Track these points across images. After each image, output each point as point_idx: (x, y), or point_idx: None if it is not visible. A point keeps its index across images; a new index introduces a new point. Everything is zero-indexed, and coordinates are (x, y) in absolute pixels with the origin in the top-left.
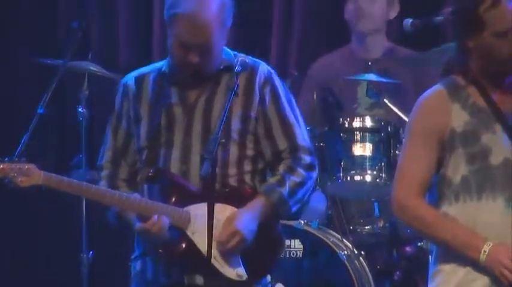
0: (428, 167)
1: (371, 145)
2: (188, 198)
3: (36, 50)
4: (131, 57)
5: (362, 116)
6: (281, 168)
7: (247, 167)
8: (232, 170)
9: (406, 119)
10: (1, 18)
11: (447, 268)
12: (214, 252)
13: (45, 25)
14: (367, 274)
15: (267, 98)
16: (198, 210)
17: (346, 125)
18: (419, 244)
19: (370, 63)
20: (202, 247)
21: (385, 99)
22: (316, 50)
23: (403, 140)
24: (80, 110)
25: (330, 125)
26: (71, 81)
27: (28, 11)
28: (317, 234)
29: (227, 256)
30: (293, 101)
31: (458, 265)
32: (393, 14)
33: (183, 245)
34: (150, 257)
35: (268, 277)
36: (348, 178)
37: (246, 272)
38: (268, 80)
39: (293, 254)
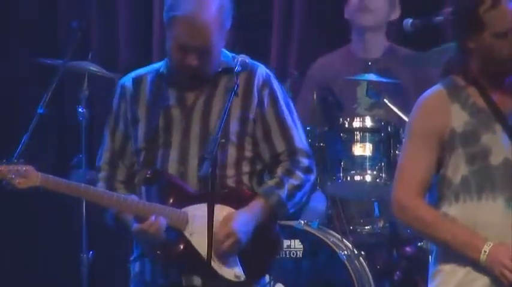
0: (428, 167)
1: (371, 145)
2: (186, 199)
3: (36, 50)
4: (131, 57)
5: (362, 116)
6: (279, 171)
7: (245, 168)
8: (230, 171)
9: (406, 119)
10: (1, 18)
11: (447, 268)
12: (212, 253)
13: (45, 25)
14: (367, 274)
15: (266, 100)
16: (196, 211)
17: (346, 125)
18: (419, 244)
19: (370, 63)
20: (201, 248)
21: (385, 99)
22: (316, 50)
23: (403, 140)
24: (79, 110)
25: (330, 125)
26: (71, 81)
27: (28, 11)
28: (317, 234)
29: (224, 256)
30: (291, 103)
31: (458, 265)
32: (394, 16)
33: (181, 246)
34: (148, 258)
35: (267, 277)
36: (348, 178)
37: (243, 272)
38: (266, 82)
39: (293, 254)
